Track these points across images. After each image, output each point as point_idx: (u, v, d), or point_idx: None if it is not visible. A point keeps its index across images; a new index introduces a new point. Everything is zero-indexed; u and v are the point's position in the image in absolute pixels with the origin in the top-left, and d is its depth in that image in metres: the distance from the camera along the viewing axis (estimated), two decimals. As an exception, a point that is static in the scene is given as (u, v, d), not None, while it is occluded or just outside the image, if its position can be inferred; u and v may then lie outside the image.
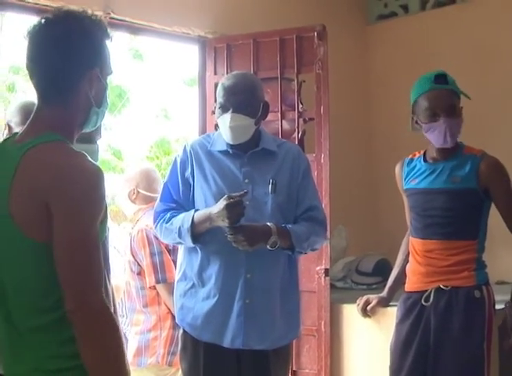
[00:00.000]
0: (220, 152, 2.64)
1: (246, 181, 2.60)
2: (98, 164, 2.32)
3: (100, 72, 1.70)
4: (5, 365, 1.69)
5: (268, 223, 2.51)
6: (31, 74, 1.69)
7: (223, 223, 2.45)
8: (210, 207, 2.51)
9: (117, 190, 3.50)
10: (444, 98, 2.71)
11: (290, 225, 2.57)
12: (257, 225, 2.50)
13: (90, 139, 2.22)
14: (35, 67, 1.68)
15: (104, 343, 1.57)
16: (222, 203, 2.43)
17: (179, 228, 2.55)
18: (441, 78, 2.73)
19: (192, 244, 2.56)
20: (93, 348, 1.55)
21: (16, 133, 1.72)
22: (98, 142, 2.36)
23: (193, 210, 2.56)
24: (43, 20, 1.66)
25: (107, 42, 1.72)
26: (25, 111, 2.41)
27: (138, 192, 3.32)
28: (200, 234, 2.54)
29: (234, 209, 2.42)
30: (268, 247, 2.48)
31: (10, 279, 1.63)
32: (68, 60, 1.64)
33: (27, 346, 1.61)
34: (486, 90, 4.08)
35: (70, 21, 1.65)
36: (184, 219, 2.55)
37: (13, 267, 1.62)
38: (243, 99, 2.55)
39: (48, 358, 1.60)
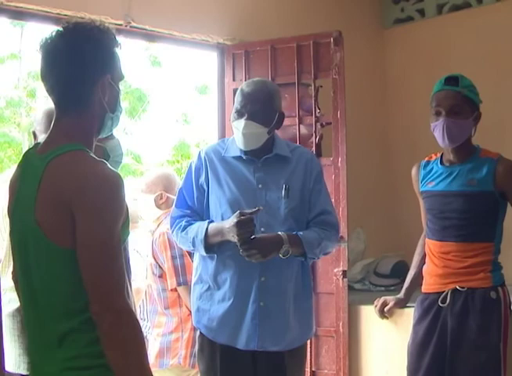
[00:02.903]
0: (234, 158, 2.68)
1: (260, 186, 2.64)
2: (123, 159, 2.40)
3: (112, 78, 1.75)
4: (34, 365, 1.76)
5: (279, 233, 2.55)
6: (46, 86, 1.75)
7: (233, 239, 2.50)
8: (223, 222, 2.56)
9: (138, 196, 3.55)
10: (448, 98, 2.75)
11: (301, 233, 2.60)
12: (268, 236, 2.54)
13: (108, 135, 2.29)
14: (49, 80, 1.73)
15: (127, 344, 1.61)
16: (233, 220, 2.48)
17: (193, 238, 2.61)
18: (451, 80, 2.77)
19: (205, 254, 2.62)
20: (117, 349, 1.60)
21: (38, 143, 1.78)
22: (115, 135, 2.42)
23: (207, 221, 2.61)
24: (53, 34, 1.72)
25: (117, 49, 1.77)
26: (48, 119, 2.47)
27: (167, 197, 3.35)
28: (212, 245, 2.60)
29: (244, 227, 2.46)
30: (280, 256, 2.53)
31: (40, 283, 1.69)
32: (80, 71, 1.70)
33: (58, 347, 1.66)
34: (502, 93, 4.08)
35: (78, 33, 1.71)
36: (198, 230, 2.60)
37: (42, 272, 1.68)
38: (260, 107, 2.60)
39: (77, 357, 1.65)
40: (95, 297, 1.61)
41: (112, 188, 1.65)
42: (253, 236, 2.49)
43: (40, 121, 2.59)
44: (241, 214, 2.48)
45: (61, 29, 1.72)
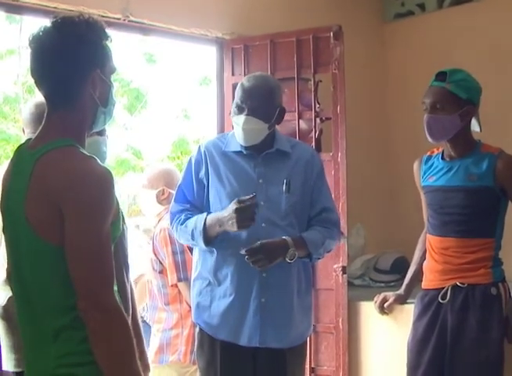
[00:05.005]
0: (234, 152, 2.67)
1: (261, 181, 2.63)
2: (109, 155, 2.39)
3: (102, 72, 1.74)
4: (29, 362, 1.75)
5: (284, 237, 2.54)
6: (36, 82, 1.74)
7: (231, 228, 2.48)
8: (221, 211, 2.54)
9: (139, 191, 3.53)
10: (432, 94, 2.75)
11: (305, 234, 2.60)
12: (273, 242, 2.52)
13: (100, 131, 2.28)
14: (38, 76, 1.73)
15: (114, 342, 1.61)
16: (232, 207, 2.46)
17: (192, 231, 2.59)
18: (440, 76, 2.76)
19: (204, 247, 2.60)
20: (103, 347, 1.61)
21: (30, 139, 1.78)
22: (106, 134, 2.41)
23: (206, 213, 2.59)
24: (41, 29, 1.71)
25: (107, 42, 1.75)
26: (31, 113, 2.47)
27: (168, 192, 3.32)
28: (212, 237, 2.58)
29: (243, 213, 2.44)
30: (287, 260, 2.52)
31: (32, 279, 1.68)
32: (68, 66, 1.69)
33: (52, 344, 1.65)
34: (504, 87, 4.06)
35: (66, 28, 1.70)
36: (197, 222, 2.58)
37: (33, 268, 1.68)
38: (260, 103, 2.58)
39: (71, 354, 1.65)
40: (82, 294, 1.61)
41: (101, 185, 1.64)
42: (258, 243, 2.47)
43: (25, 117, 2.58)
44: (239, 201, 2.46)
45: (49, 24, 1.71)
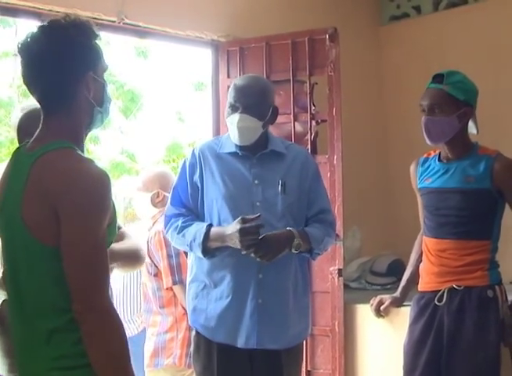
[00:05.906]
0: (229, 154, 2.66)
1: (256, 182, 2.62)
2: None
3: (95, 73, 1.73)
4: (21, 365, 1.74)
5: (289, 228, 2.54)
6: (29, 89, 1.74)
7: (235, 245, 2.48)
8: (224, 227, 2.53)
9: (133, 194, 3.52)
10: (429, 96, 2.76)
11: (306, 228, 2.61)
12: (279, 233, 2.52)
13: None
14: (29, 82, 1.73)
15: (109, 344, 1.61)
16: (236, 226, 2.45)
17: (191, 242, 2.58)
18: (437, 78, 2.76)
19: (202, 257, 2.60)
20: (98, 349, 1.60)
21: (28, 142, 1.77)
22: None
23: (205, 225, 2.58)
24: (29, 36, 1.70)
25: (96, 41, 1.74)
26: (17, 116, 2.46)
27: (163, 195, 3.32)
28: (211, 249, 2.58)
29: (248, 236, 2.45)
30: (293, 250, 2.52)
31: (28, 282, 1.68)
32: (58, 72, 1.68)
33: (46, 345, 1.65)
34: (499, 89, 4.07)
35: (54, 34, 1.69)
36: (196, 234, 2.57)
37: (30, 270, 1.67)
38: (253, 101, 2.58)
39: (64, 357, 1.64)
40: (78, 296, 1.61)
41: (98, 187, 1.64)
42: (263, 235, 2.46)
43: (13, 122, 2.57)
44: (243, 220, 2.45)
45: (36, 30, 1.70)
